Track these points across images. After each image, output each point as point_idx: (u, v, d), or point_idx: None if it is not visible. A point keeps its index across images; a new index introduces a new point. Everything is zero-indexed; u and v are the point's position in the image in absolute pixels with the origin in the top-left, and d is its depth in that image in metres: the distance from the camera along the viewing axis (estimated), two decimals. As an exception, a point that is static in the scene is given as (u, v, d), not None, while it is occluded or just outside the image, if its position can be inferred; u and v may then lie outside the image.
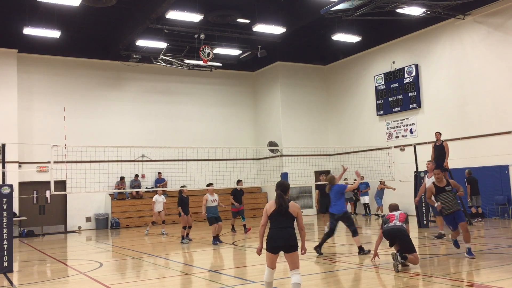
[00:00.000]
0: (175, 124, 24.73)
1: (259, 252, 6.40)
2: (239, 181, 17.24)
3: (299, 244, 6.31)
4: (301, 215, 6.37)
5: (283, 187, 6.38)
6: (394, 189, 19.98)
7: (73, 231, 21.47)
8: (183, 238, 14.70)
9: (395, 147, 19.27)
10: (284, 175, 23.81)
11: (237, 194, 17.14)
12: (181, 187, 15.53)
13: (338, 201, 10.64)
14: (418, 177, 15.84)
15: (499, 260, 9.09)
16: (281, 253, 6.32)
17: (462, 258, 9.72)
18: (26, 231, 20.14)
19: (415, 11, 17.81)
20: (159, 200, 17.95)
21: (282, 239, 6.11)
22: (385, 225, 8.98)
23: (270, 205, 6.36)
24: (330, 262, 10.16)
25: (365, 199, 22.09)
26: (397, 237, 8.74)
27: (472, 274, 7.94)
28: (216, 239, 13.69)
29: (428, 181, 12.16)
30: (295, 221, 6.36)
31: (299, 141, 24.85)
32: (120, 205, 22.33)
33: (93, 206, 22.34)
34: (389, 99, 22.38)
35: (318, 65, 26.53)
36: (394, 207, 9.46)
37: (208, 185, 14.74)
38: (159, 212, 17.92)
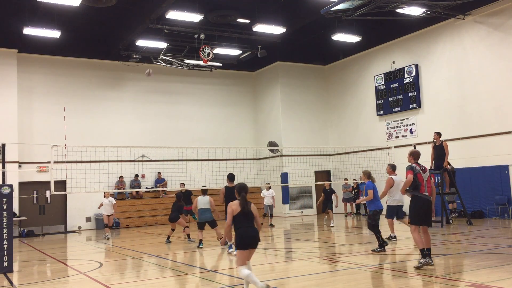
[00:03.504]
0: (175, 124, 24.73)
1: (223, 244, 7.62)
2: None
3: None
4: (258, 216, 6.99)
5: (246, 189, 6.94)
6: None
7: (73, 231, 21.46)
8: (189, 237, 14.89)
9: (395, 147, 19.28)
10: (284, 175, 23.91)
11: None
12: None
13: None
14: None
15: (499, 260, 9.09)
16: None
17: (462, 258, 9.73)
18: (26, 231, 20.14)
19: (415, 11, 17.81)
20: (106, 203, 17.18)
21: (253, 237, 6.73)
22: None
23: (235, 207, 6.83)
24: (330, 262, 10.16)
25: None
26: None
27: (472, 274, 7.94)
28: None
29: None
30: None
31: (299, 141, 24.85)
32: (120, 205, 22.25)
33: (93, 206, 22.27)
34: (389, 99, 22.39)
35: (318, 65, 26.54)
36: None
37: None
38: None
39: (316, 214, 24.95)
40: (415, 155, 9.00)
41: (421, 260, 8.44)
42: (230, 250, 11.54)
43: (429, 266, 8.41)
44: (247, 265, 6.81)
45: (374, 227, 10.96)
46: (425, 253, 8.44)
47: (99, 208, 17.77)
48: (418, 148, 17.22)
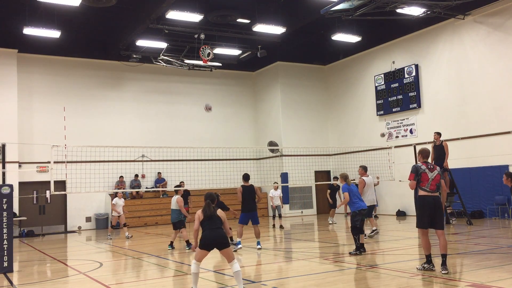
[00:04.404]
0: (175, 124, 24.73)
1: (194, 249, 7.77)
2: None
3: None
4: (226, 220, 7.52)
5: (211, 198, 7.62)
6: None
7: (73, 231, 21.47)
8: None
9: (396, 147, 19.27)
10: (284, 175, 23.91)
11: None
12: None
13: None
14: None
15: (499, 260, 9.09)
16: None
17: (462, 258, 9.73)
18: (26, 231, 20.14)
19: (415, 11, 17.81)
20: (119, 203, 17.23)
21: (213, 239, 7.21)
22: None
23: (200, 213, 7.47)
24: (330, 262, 10.16)
25: None
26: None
27: (472, 274, 7.93)
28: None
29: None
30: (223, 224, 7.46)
31: (299, 141, 24.85)
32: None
33: (93, 206, 22.35)
34: (389, 99, 22.38)
35: (318, 65, 26.54)
36: None
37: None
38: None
39: (316, 214, 24.96)
40: (423, 154, 8.60)
41: (425, 265, 8.29)
42: (240, 246, 12.12)
43: (430, 271, 8.16)
44: (200, 262, 7.33)
45: (352, 229, 10.84)
46: (430, 259, 8.25)
47: (114, 210, 17.27)
48: (418, 148, 17.20)
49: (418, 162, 8.73)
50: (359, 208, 10.82)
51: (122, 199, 17.63)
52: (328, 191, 19.29)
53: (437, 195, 8.27)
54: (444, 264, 8.05)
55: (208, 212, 7.37)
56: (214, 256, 11.86)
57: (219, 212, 7.51)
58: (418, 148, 17.29)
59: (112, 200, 17.71)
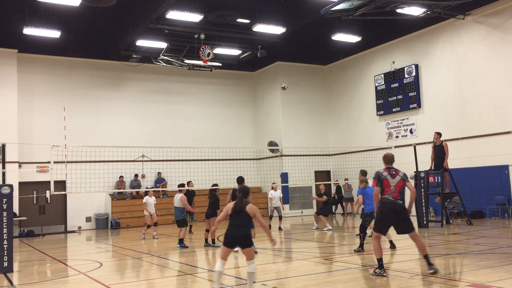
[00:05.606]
0: (175, 124, 24.73)
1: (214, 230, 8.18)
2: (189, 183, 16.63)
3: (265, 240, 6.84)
4: (259, 213, 7.21)
5: (244, 191, 7.41)
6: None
7: (73, 231, 21.47)
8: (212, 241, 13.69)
9: (396, 147, 19.25)
10: (284, 175, 23.91)
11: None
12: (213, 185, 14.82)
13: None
14: (418, 177, 15.85)
15: (499, 260, 9.09)
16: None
17: (462, 258, 9.73)
18: (26, 231, 20.14)
19: (415, 11, 17.81)
20: (150, 202, 16.68)
21: (238, 236, 7.00)
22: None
23: (230, 206, 7.32)
24: (330, 262, 10.16)
25: None
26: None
27: (472, 274, 7.93)
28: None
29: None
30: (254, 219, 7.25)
31: (299, 141, 24.85)
32: (120, 205, 22.32)
33: (93, 206, 22.35)
34: (389, 99, 22.39)
35: (318, 65, 26.54)
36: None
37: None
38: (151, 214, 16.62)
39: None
40: (386, 159, 8.44)
41: (376, 270, 8.11)
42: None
43: (382, 277, 7.97)
44: (225, 261, 7.14)
45: (361, 227, 11.51)
46: (381, 264, 8.09)
47: (145, 209, 16.60)
48: (418, 148, 17.24)
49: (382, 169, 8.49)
50: (372, 210, 11.17)
51: (153, 198, 16.85)
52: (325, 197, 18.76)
53: (400, 203, 8.13)
54: (429, 263, 7.95)
55: (239, 207, 7.15)
56: (214, 256, 11.86)
57: (249, 207, 7.20)
58: (419, 148, 17.41)
59: (143, 199, 16.95)
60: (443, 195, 16.14)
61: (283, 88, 24.17)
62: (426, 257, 8.01)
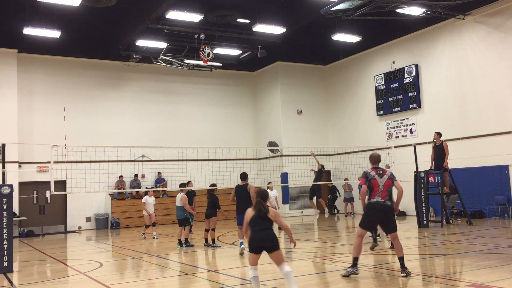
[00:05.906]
0: (175, 124, 24.73)
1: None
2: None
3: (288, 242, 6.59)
4: (279, 217, 6.96)
5: (262, 195, 7.07)
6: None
7: (73, 231, 21.47)
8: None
9: (396, 147, 19.28)
10: (284, 175, 23.90)
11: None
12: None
13: None
14: (418, 177, 15.85)
15: (499, 260, 9.09)
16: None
17: (462, 258, 9.73)
18: (26, 231, 20.14)
19: (415, 11, 17.81)
20: (149, 202, 16.73)
21: (263, 240, 6.71)
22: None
23: (249, 212, 6.98)
24: (330, 262, 10.16)
25: None
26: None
27: (472, 274, 7.93)
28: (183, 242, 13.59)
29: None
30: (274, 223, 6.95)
31: (299, 141, 24.85)
32: (120, 205, 22.32)
33: (93, 206, 22.34)
34: (389, 99, 22.39)
35: (318, 65, 26.54)
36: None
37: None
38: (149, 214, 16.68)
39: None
40: (372, 159, 8.43)
41: (349, 269, 8.11)
42: (242, 246, 11.77)
43: (355, 275, 8.00)
44: (256, 266, 6.84)
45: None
46: (356, 263, 8.10)
47: (144, 209, 16.73)
48: (418, 148, 17.24)
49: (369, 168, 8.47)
50: None
51: (153, 198, 16.88)
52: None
53: (388, 204, 8.14)
54: (403, 266, 7.94)
55: (258, 211, 6.88)
56: (214, 256, 11.87)
57: (272, 212, 6.97)
58: (419, 148, 17.40)
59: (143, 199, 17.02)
60: (443, 195, 16.14)
61: (299, 113, 24.86)
62: (401, 259, 8.01)
